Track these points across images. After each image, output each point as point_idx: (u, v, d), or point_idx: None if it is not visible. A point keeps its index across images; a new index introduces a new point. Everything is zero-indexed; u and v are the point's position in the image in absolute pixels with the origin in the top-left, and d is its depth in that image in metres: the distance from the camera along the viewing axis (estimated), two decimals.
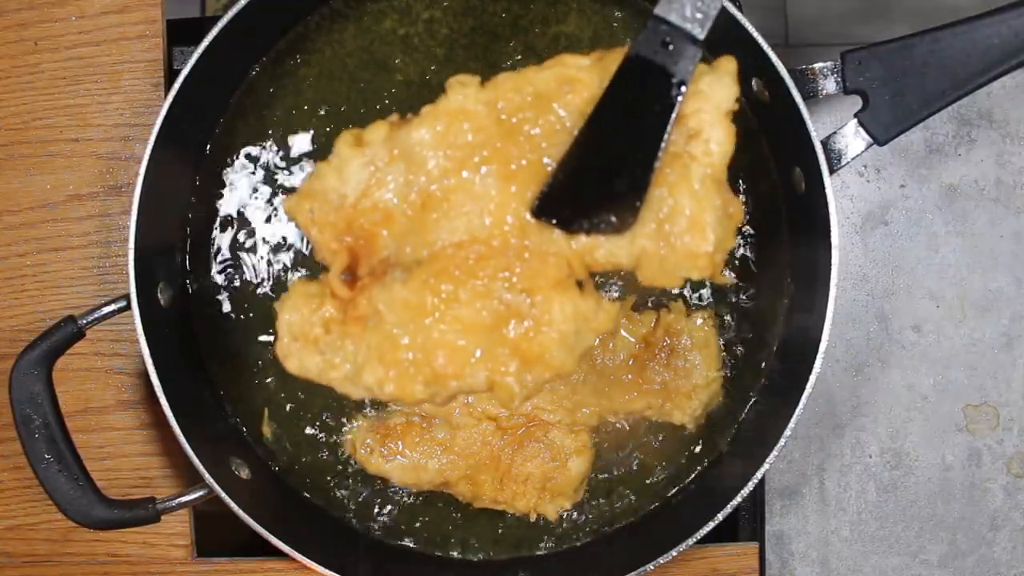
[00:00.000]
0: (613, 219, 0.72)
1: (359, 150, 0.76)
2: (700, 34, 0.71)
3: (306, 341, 0.77)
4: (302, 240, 1.02)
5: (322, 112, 1.02)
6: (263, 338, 1.02)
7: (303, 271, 1.02)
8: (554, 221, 0.73)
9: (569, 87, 0.74)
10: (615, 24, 1.01)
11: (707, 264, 0.72)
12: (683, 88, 0.71)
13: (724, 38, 0.93)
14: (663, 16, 0.71)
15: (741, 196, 1.02)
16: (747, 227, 1.02)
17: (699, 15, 0.71)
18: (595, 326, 0.74)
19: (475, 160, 0.74)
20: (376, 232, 0.76)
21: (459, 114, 0.74)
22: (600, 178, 0.72)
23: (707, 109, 0.73)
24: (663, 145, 0.71)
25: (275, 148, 1.02)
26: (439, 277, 0.73)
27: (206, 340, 1.02)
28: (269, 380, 1.02)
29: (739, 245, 1.02)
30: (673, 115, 0.71)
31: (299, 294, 0.78)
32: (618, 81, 0.72)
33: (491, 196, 0.74)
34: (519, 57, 1.01)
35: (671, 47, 0.71)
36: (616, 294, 1.02)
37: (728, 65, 0.74)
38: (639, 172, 0.72)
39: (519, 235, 0.73)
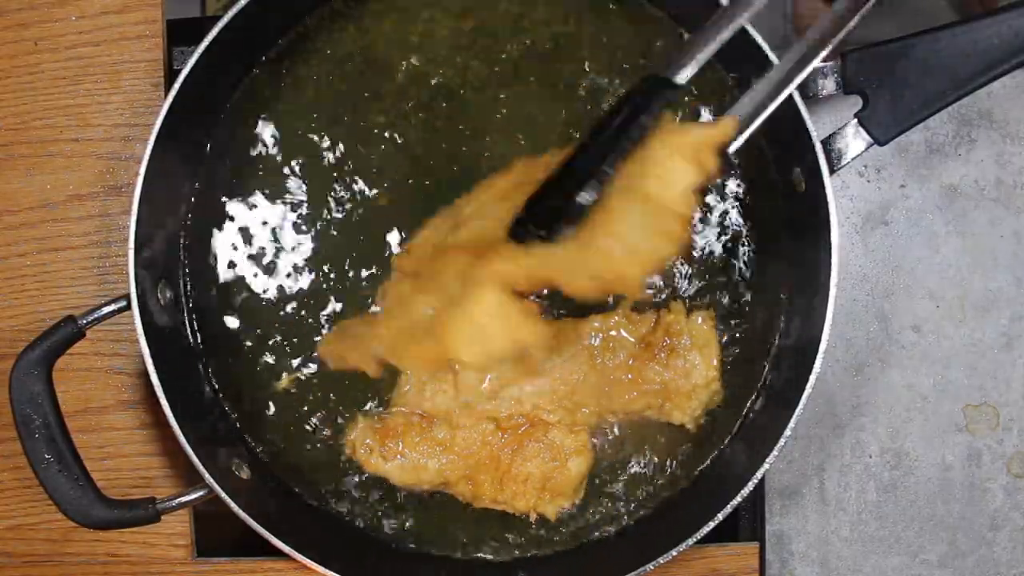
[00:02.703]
0: (567, 229, 0.75)
1: None
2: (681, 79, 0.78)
3: None
4: (302, 241, 1.02)
5: (323, 112, 1.02)
6: (263, 338, 1.02)
7: (303, 271, 1.02)
8: (523, 237, 0.76)
9: None
10: (610, 20, 1.01)
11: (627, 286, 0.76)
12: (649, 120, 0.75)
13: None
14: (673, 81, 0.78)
15: (742, 197, 1.02)
16: (747, 227, 1.02)
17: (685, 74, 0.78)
18: (515, 334, 0.76)
19: None
20: None
21: None
22: (565, 190, 0.75)
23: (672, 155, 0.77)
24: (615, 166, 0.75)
25: (275, 148, 1.02)
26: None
27: (206, 340, 1.02)
28: (269, 380, 1.02)
29: (740, 245, 1.02)
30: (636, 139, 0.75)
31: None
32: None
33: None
34: (520, 57, 1.01)
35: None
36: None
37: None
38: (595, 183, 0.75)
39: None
